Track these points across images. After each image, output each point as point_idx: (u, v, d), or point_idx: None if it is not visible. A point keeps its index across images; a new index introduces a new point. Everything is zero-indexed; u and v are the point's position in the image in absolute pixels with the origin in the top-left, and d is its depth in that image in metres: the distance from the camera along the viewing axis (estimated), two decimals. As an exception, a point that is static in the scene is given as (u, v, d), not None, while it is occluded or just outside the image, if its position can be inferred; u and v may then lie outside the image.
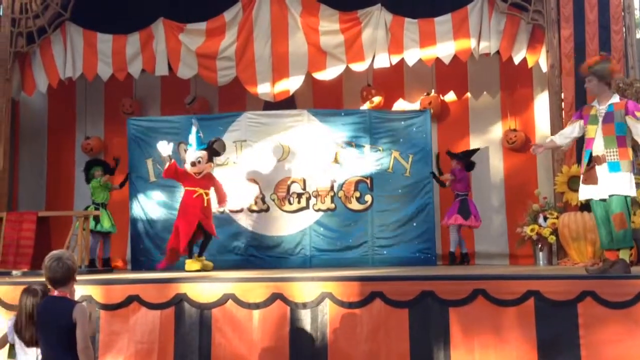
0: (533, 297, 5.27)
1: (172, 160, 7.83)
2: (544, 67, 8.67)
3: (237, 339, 5.49)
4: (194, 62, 9.53)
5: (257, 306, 5.53)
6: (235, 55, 9.44)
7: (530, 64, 8.87)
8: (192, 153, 7.89)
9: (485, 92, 9.99)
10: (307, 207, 8.87)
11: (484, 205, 9.59)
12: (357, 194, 8.86)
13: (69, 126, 10.75)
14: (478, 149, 9.40)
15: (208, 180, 8.02)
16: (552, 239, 8.14)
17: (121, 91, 10.45)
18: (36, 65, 9.74)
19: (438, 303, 5.37)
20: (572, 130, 6.15)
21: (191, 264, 7.68)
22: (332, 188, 8.88)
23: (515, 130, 9.62)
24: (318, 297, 5.48)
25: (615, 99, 5.93)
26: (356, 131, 8.93)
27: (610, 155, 5.77)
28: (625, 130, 5.78)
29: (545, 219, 8.22)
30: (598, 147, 5.81)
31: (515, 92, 9.70)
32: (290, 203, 8.90)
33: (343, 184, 8.86)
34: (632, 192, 5.78)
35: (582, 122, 6.02)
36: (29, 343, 4.05)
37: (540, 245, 8.33)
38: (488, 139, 9.82)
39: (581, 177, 5.96)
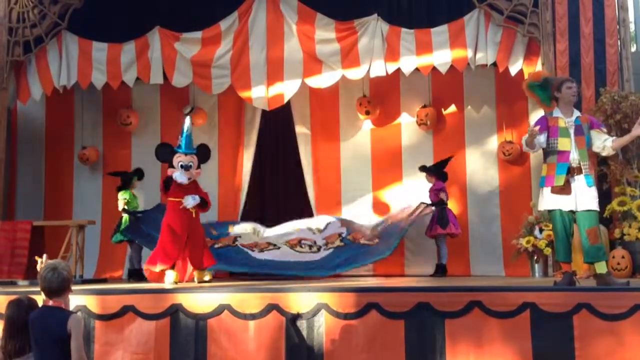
0: (529, 309, 5.29)
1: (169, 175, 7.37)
2: (540, 80, 8.69)
3: (233, 349, 5.49)
4: (188, 70, 9.47)
5: (252, 317, 5.53)
6: (230, 63, 9.39)
7: (526, 76, 8.88)
8: (183, 157, 7.28)
9: (481, 105, 9.99)
10: (318, 251, 8.86)
11: (479, 217, 9.59)
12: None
13: (67, 136, 10.68)
14: (450, 158, 9.40)
15: (194, 188, 7.37)
16: (547, 251, 8.13)
17: (120, 101, 10.40)
18: (31, 73, 9.65)
19: (434, 314, 5.38)
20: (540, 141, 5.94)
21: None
22: (340, 235, 9.05)
23: (511, 142, 9.63)
24: (314, 308, 5.49)
25: (577, 112, 5.99)
26: None
27: (585, 168, 5.79)
28: (591, 144, 5.88)
29: (541, 230, 8.21)
30: (575, 158, 5.80)
31: (511, 105, 9.71)
32: (301, 247, 8.91)
33: (350, 231, 9.11)
34: (598, 207, 5.85)
35: (546, 133, 5.90)
36: (13, 355, 3.99)
37: (535, 257, 8.32)
38: (484, 150, 9.84)
39: (551, 188, 5.84)
